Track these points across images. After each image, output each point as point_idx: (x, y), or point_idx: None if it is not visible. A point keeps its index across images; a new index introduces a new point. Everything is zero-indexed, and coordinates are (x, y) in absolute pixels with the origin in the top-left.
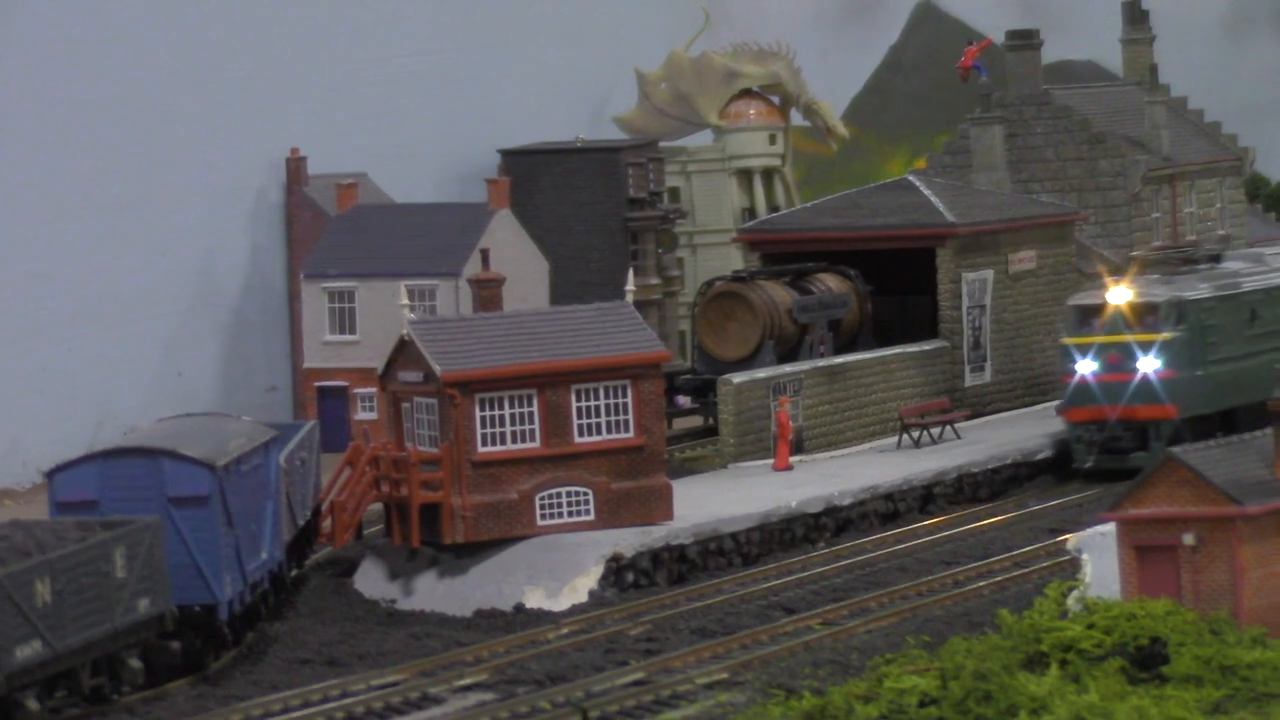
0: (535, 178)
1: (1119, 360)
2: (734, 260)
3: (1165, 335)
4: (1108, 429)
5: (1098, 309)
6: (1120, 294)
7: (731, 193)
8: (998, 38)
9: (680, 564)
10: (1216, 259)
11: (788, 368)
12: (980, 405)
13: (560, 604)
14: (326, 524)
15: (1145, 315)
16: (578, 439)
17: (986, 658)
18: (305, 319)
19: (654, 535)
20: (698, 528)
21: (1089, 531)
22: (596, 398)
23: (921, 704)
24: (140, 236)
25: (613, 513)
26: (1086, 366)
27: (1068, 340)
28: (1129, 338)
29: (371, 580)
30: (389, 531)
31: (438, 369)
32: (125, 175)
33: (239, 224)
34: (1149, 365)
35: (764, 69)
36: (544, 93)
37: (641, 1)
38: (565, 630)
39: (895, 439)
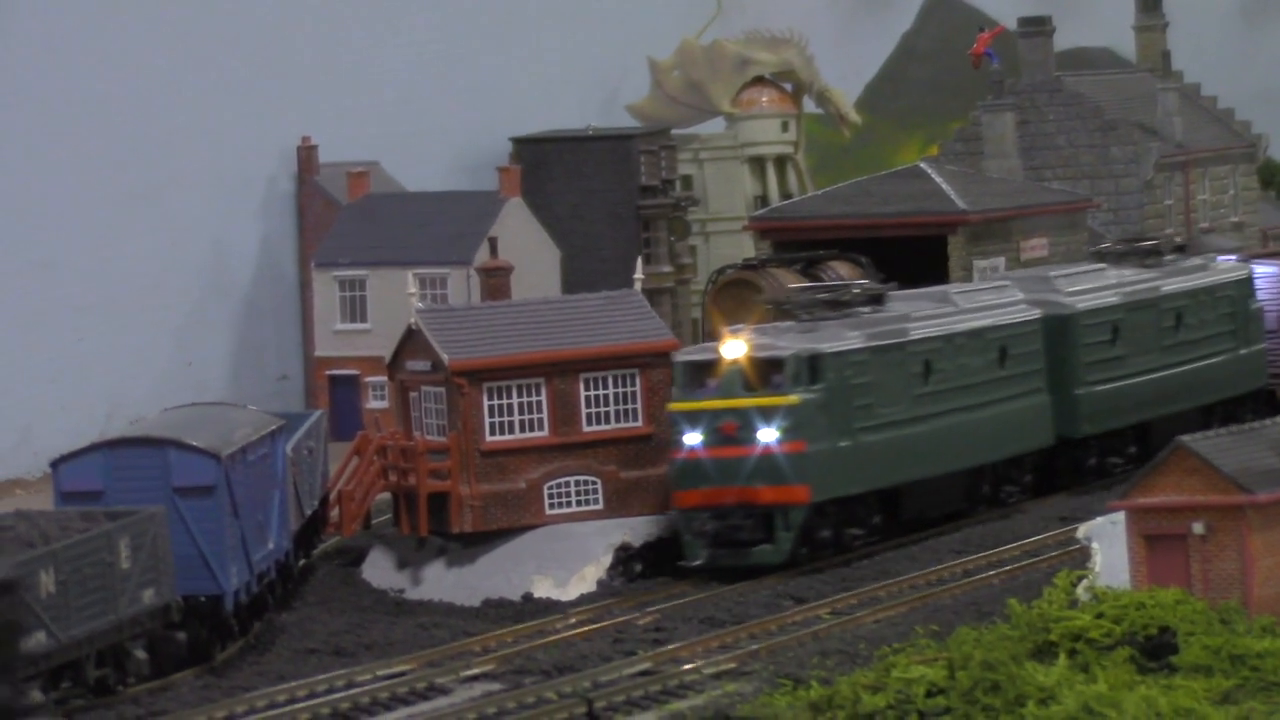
0: (547, 166)
1: (735, 430)
2: (746, 248)
3: (792, 398)
4: (723, 516)
5: (710, 366)
6: (735, 347)
7: (744, 180)
8: (1010, 24)
9: None
10: (878, 300)
11: None
12: None
13: (569, 593)
14: (334, 513)
15: (769, 373)
16: (586, 428)
17: (995, 647)
18: (316, 308)
19: (663, 524)
20: None
21: (1098, 520)
22: (605, 386)
23: (929, 694)
24: (150, 226)
25: (621, 502)
26: (696, 438)
27: (674, 406)
28: (747, 402)
29: (379, 570)
30: (397, 521)
31: (445, 358)
32: (135, 165)
33: (250, 213)
34: (770, 436)
35: (776, 56)
36: (555, 81)
37: None
38: (573, 620)
39: None
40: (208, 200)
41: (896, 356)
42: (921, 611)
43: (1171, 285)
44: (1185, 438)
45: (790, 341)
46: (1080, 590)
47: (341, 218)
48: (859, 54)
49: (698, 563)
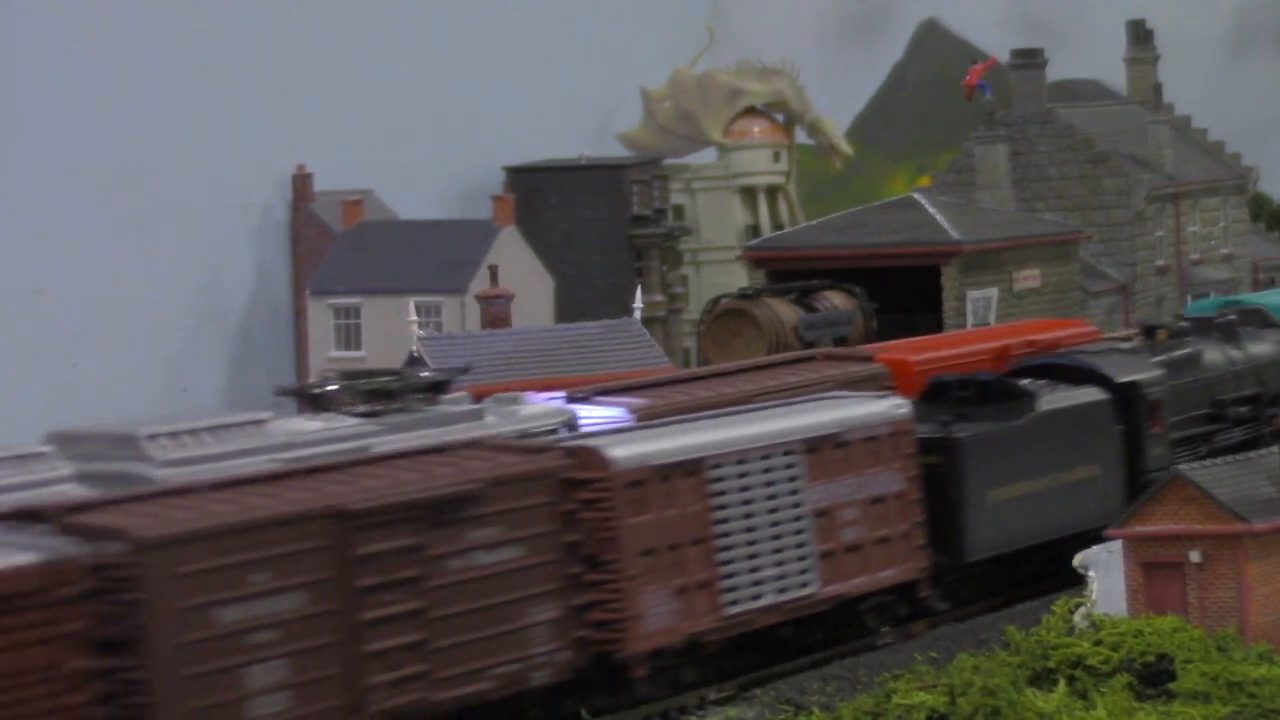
0: (540, 195)
1: None
2: (738, 277)
3: None
4: None
5: None
6: None
7: (735, 210)
8: (1002, 57)
9: None
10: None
11: None
12: None
13: None
14: None
15: None
16: None
17: (994, 674)
18: (311, 335)
19: None
20: None
21: (1095, 548)
22: None
23: None
24: (146, 253)
25: None
26: None
27: None
28: None
29: None
30: None
31: None
32: (131, 192)
33: (245, 241)
34: None
35: (768, 86)
36: (549, 110)
37: (646, 19)
38: None
39: None
40: (203, 228)
41: None
42: (921, 639)
43: (397, 444)
44: (1182, 466)
45: None
46: (1078, 618)
47: (336, 246)
48: (850, 85)
49: None
